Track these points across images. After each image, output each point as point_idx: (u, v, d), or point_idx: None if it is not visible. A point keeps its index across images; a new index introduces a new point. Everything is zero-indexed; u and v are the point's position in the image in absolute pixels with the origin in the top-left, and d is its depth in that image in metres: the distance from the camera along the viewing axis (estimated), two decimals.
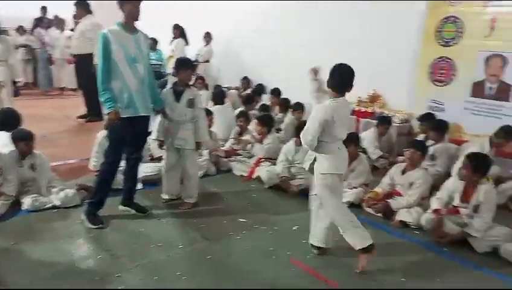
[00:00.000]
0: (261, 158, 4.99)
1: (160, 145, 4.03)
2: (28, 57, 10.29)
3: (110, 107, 3.29)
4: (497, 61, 5.23)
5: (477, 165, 3.45)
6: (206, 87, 7.74)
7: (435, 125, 5.18)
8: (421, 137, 5.29)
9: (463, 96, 5.56)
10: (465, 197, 3.53)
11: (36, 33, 10.24)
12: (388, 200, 3.98)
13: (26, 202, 3.71)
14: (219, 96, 6.48)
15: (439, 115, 5.61)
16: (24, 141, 3.84)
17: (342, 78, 2.89)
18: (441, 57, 5.78)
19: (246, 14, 8.60)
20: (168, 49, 8.96)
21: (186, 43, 8.69)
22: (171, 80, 6.31)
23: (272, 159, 4.97)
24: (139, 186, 4.10)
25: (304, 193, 4.04)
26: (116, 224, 3.57)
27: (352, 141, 4.01)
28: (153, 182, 4.39)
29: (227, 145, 5.50)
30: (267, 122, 5.18)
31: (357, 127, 6.21)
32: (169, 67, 8.26)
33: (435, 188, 4.02)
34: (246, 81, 8.71)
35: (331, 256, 3.20)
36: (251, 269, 3.01)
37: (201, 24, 8.90)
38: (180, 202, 4.04)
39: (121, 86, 3.34)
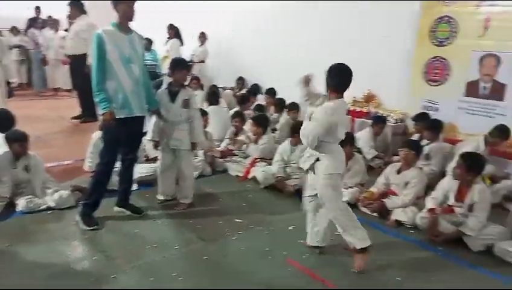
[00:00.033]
0: (256, 158, 4.99)
1: (156, 146, 4.02)
2: (21, 57, 10.24)
3: (104, 108, 3.28)
4: (491, 61, 5.25)
5: (471, 164, 3.47)
6: (201, 87, 7.73)
7: (429, 124, 5.21)
8: (416, 137, 5.31)
9: (457, 95, 5.59)
10: (460, 196, 3.55)
11: (30, 33, 10.19)
12: (383, 200, 3.99)
13: (21, 203, 3.69)
14: (213, 96, 6.46)
15: (434, 115, 5.64)
16: (18, 142, 3.82)
17: (341, 79, 2.87)
18: (435, 57, 5.80)
19: (240, 14, 8.60)
20: (163, 49, 8.93)
21: (181, 43, 8.68)
22: (166, 80, 6.26)
23: (267, 159, 4.97)
24: (135, 187, 4.10)
25: (299, 193, 4.04)
26: (111, 225, 3.56)
27: (348, 140, 4.01)
28: (148, 183, 4.38)
29: (223, 146, 5.50)
30: (262, 123, 5.17)
31: (352, 127, 6.22)
32: (164, 68, 8.24)
33: (430, 187, 4.04)
34: (241, 81, 8.72)
35: (327, 255, 3.21)
36: (247, 269, 3.01)
37: (196, 24, 8.90)
38: (176, 202, 4.03)
39: (116, 86, 3.33)
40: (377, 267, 3.06)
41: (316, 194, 3.05)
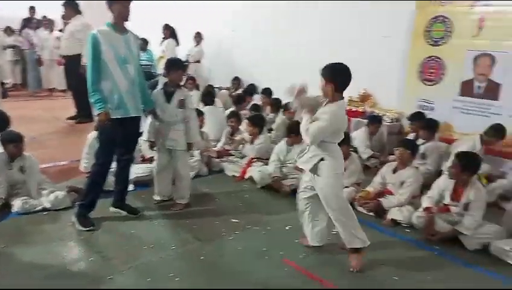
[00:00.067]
0: (253, 158, 4.99)
1: (151, 146, 4.01)
2: (16, 58, 10.17)
3: (100, 108, 3.26)
4: (486, 61, 5.28)
5: (467, 164, 3.48)
6: (197, 87, 7.71)
7: (425, 124, 5.23)
8: (411, 136, 5.33)
9: (452, 95, 5.61)
10: (455, 195, 3.57)
11: (24, 34, 10.13)
12: (380, 199, 4.00)
13: (16, 204, 3.67)
14: (208, 96, 6.45)
15: (429, 114, 5.66)
16: (13, 143, 3.80)
17: (346, 78, 2.85)
18: (430, 57, 5.82)
19: (236, 14, 8.61)
20: (159, 49, 8.89)
21: (177, 43, 8.65)
22: (162, 80, 6.28)
23: (263, 159, 4.97)
24: (131, 187, 4.08)
25: (295, 193, 4.04)
26: (107, 226, 3.55)
27: (344, 140, 4.00)
28: (144, 183, 4.36)
29: (219, 146, 5.49)
30: (258, 123, 5.17)
31: (348, 127, 6.20)
32: (160, 68, 8.23)
33: (425, 186, 4.05)
34: (237, 81, 8.71)
35: (324, 255, 3.22)
36: (244, 269, 3.01)
37: (192, 24, 8.88)
38: (172, 203, 4.03)
39: (111, 86, 3.32)
40: (373, 266, 3.07)
41: (313, 195, 3.05)
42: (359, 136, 5.62)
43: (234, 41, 8.81)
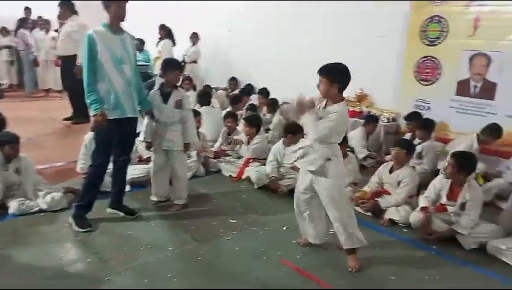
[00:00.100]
0: (249, 159, 4.99)
1: (148, 147, 4.00)
2: (11, 58, 10.14)
3: (96, 109, 3.25)
4: (481, 60, 5.30)
5: (463, 163, 3.49)
6: (193, 88, 7.70)
7: (421, 124, 5.25)
8: (408, 136, 5.35)
9: (448, 95, 5.64)
10: (452, 195, 3.58)
11: (20, 34, 10.08)
12: (377, 199, 4.01)
13: (13, 206, 3.65)
14: (205, 97, 6.43)
15: (426, 114, 5.68)
16: (9, 144, 3.78)
17: (344, 79, 2.84)
18: (426, 57, 5.85)
19: (233, 14, 8.60)
20: (155, 50, 8.89)
21: (173, 43, 8.64)
22: (159, 81, 6.26)
23: (261, 160, 4.97)
24: (128, 188, 4.06)
25: (293, 193, 4.04)
26: (104, 227, 3.53)
27: (342, 140, 4.03)
28: (141, 184, 4.36)
29: (216, 146, 5.49)
30: (255, 123, 5.17)
31: None
32: (157, 68, 8.20)
33: (422, 186, 4.07)
34: (233, 81, 8.71)
35: (322, 255, 3.22)
36: (242, 270, 3.01)
37: (188, 24, 8.87)
38: (169, 203, 4.02)
39: (108, 87, 3.31)
40: (370, 266, 3.07)
41: (313, 195, 3.05)
42: (356, 136, 5.63)
43: (232, 42, 8.80)
